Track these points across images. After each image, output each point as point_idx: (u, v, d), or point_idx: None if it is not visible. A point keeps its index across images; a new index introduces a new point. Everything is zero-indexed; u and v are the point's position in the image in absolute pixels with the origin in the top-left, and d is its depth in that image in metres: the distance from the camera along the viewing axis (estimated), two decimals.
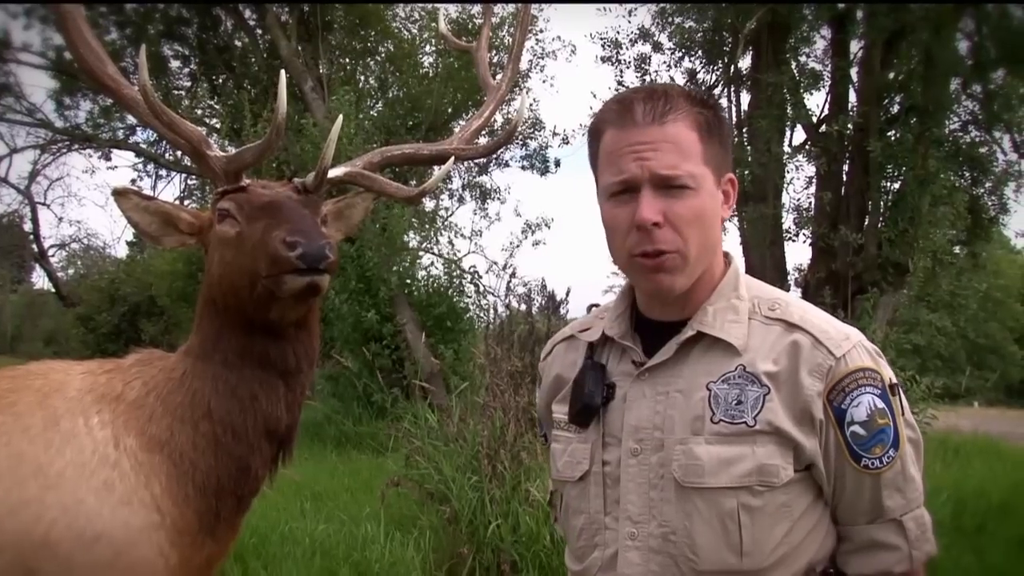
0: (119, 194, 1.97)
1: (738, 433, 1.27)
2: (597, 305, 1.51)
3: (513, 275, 10.44)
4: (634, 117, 1.30)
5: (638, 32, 11.11)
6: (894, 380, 1.31)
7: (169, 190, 17.61)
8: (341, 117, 1.99)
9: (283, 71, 1.87)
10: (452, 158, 2.19)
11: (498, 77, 2.52)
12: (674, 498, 1.29)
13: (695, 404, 1.30)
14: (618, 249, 1.34)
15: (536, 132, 15.01)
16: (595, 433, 1.38)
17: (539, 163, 15.31)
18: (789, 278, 10.31)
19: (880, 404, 1.28)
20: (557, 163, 15.31)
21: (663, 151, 1.28)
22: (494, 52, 11.68)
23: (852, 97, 10.08)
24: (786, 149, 10.21)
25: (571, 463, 1.39)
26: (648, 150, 1.28)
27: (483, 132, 2.62)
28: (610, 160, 1.33)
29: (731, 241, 11.11)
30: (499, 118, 10.85)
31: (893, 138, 9.35)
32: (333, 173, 2.03)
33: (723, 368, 1.31)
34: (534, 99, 14.19)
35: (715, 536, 1.26)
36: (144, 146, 15.59)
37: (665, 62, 11.13)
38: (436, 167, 2.17)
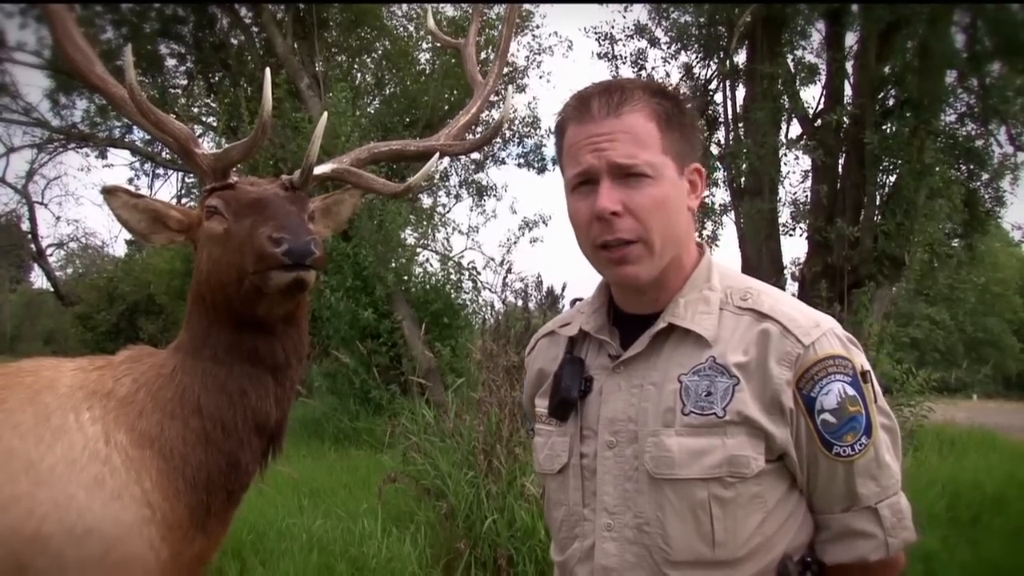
0: (108, 192, 1.98)
1: (708, 424, 1.27)
2: (581, 299, 1.51)
3: (510, 271, 10.43)
4: (591, 111, 1.32)
5: (634, 27, 11.13)
6: (867, 367, 1.30)
7: (166, 188, 17.68)
8: (325, 115, 2.00)
9: (267, 69, 1.88)
10: (437, 154, 2.20)
11: (486, 74, 2.54)
12: (647, 489, 1.29)
13: (667, 396, 1.31)
14: (583, 242, 1.36)
15: (533, 131, 15.03)
16: (573, 426, 1.39)
17: (536, 161, 15.32)
18: (785, 271, 10.30)
19: (851, 392, 1.26)
20: (555, 161, 15.26)
21: (620, 141, 1.29)
22: (488, 48, 11.67)
23: (848, 90, 10.08)
24: (782, 142, 10.20)
25: (551, 456, 1.41)
26: (605, 141, 1.30)
27: (473, 128, 2.63)
28: (570, 154, 1.34)
29: (727, 235, 11.14)
30: (494, 114, 10.88)
31: (889, 131, 9.34)
32: (320, 170, 2.05)
33: (694, 360, 1.31)
34: (533, 96, 14.18)
35: (687, 527, 1.26)
36: (140, 144, 15.60)
37: (661, 56, 11.16)
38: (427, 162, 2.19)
